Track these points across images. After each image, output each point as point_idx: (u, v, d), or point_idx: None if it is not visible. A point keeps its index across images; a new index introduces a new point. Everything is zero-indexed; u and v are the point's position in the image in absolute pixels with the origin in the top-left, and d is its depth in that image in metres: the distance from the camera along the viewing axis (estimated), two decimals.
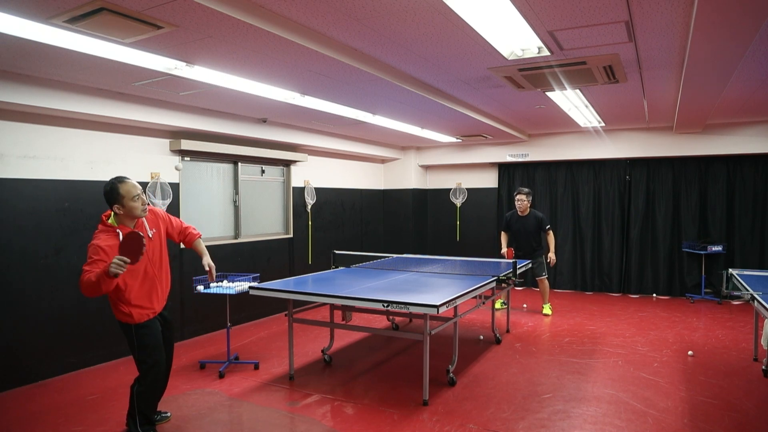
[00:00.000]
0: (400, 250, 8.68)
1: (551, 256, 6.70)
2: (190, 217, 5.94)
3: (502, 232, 7.03)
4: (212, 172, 6.32)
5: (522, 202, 6.70)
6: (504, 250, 6.82)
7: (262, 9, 2.99)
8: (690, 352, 5.10)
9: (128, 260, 2.83)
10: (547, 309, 6.94)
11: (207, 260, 3.69)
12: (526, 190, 6.80)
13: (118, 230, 3.10)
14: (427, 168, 9.96)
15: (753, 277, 4.99)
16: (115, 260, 2.79)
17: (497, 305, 7.00)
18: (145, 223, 3.34)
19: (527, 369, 4.70)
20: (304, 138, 7.13)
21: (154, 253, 3.34)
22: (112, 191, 3.11)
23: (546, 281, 6.92)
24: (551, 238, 6.75)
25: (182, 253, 5.72)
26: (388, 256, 6.66)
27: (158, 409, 3.67)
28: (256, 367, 4.79)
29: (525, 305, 7.26)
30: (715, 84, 4.48)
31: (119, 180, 3.15)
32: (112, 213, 3.14)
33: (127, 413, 3.38)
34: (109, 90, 4.63)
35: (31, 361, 4.46)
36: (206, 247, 3.84)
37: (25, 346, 4.41)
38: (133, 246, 2.90)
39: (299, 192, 7.59)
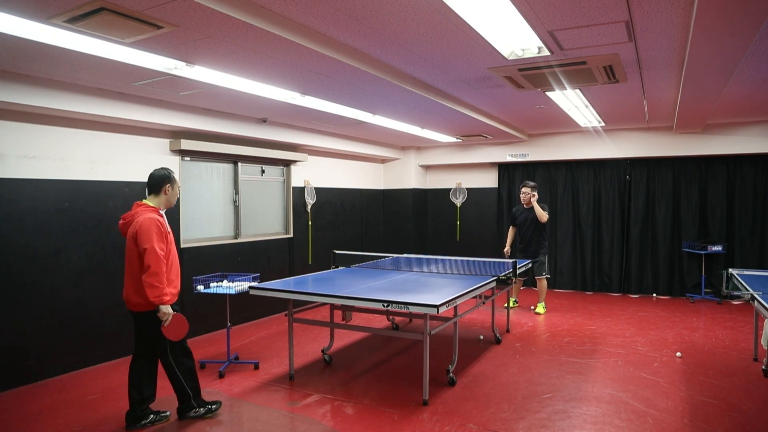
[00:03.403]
0: (400, 250, 8.68)
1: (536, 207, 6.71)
2: (190, 217, 5.94)
3: (510, 227, 7.22)
4: (212, 172, 6.32)
5: (526, 195, 6.84)
6: (506, 248, 7.09)
7: (262, 9, 2.99)
8: (678, 354, 5.09)
9: (166, 322, 3.36)
10: (540, 308, 6.98)
11: None
12: (531, 183, 6.94)
13: (161, 211, 3.56)
14: (427, 168, 9.96)
15: (753, 277, 4.99)
16: (166, 316, 3.36)
17: (510, 303, 7.08)
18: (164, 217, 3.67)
19: (527, 369, 4.70)
20: (304, 138, 7.13)
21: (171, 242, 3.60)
22: (169, 175, 3.62)
23: (545, 281, 6.96)
24: (542, 211, 6.69)
25: (182, 253, 5.71)
26: (388, 256, 6.66)
27: (157, 409, 3.67)
28: (256, 367, 4.79)
29: (532, 307, 7.21)
30: (715, 84, 4.48)
31: (170, 170, 3.67)
32: (146, 199, 3.56)
33: (180, 400, 3.63)
34: (109, 90, 4.63)
35: (31, 361, 4.46)
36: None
37: (25, 346, 4.41)
38: (178, 328, 3.45)
39: (299, 192, 7.59)
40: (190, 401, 3.65)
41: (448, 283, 4.61)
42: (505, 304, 6.57)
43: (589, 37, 3.47)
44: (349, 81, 4.43)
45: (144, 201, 3.56)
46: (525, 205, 6.93)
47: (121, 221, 3.54)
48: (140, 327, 3.54)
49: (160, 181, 3.56)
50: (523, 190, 6.90)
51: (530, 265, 6.49)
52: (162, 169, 3.65)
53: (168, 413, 3.71)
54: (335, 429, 3.53)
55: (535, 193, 6.85)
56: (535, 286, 7.17)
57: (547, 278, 6.97)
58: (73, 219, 4.77)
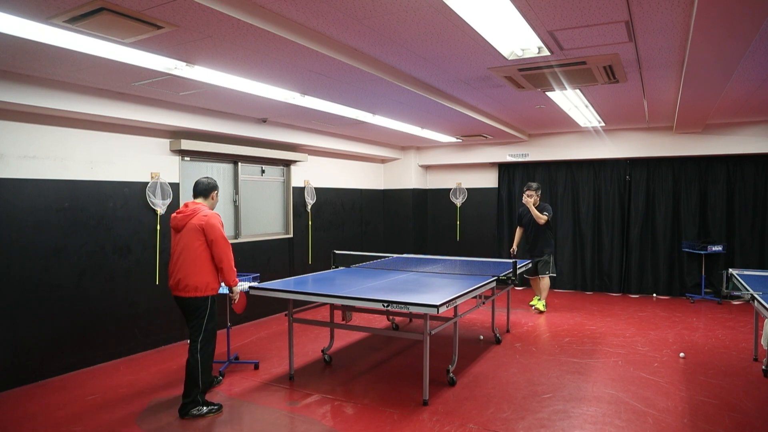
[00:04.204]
0: (400, 250, 8.68)
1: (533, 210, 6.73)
2: None
3: (518, 227, 7.26)
4: (212, 172, 6.32)
5: (529, 197, 6.78)
6: (513, 247, 7.11)
7: (262, 9, 2.99)
8: (681, 354, 5.08)
9: (236, 300, 4.11)
10: (540, 305, 6.95)
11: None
12: (534, 185, 6.86)
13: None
14: (427, 168, 9.96)
15: (753, 277, 4.99)
16: (237, 294, 4.08)
17: (533, 302, 7.06)
18: None
19: (527, 369, 4.70)
20: (304, 138, 7.13)
21: (186, 246, 3.86)
22: (216, 184, 4.12)
23: (547, 279, 6.92)
24: (541, 215, 6.69)
25: None
26: (388, 256, 6.66)
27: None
28: (256, 367, 4.79)
29: (532, 304, 7.20)
30: (715, 84, 4.48)
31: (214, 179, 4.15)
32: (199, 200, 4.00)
33: (189, 385, 3.74)
34: (109, 90, 4.63)
35: (31, 361, 4.46)
36: None
37: (25, 346, 4.41)
38: (243, 300, 4.21)
39: (299, 192, 7.59)
40: (197, 396, 3.74)
41: (448, 283, 4.61)
42: (531, 302, 6.80)
43: (589, 37, 3.47)
44: (349, 81, 4.43)
45: (196, 201, 3.98)
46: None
47: (179, 214, 3.88)
48: (188, 311, 3.84)
49: (210, 188, 4.06)
50: (527, 193, 6.82)
51: (530, 265, 6.49)
52: (208, 177, 4.11)
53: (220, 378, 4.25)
54: (335, 429, 3.53)
55: (536, 195, 6.79)
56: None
57: (551, 277, 6.93)
58: (73, 219, 4.77)
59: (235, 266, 3.94)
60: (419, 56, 3.94)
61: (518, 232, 7.22)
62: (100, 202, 4.99)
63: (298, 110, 5.69)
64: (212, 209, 4.05)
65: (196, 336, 3.81)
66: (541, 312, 6.95)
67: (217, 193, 4.12)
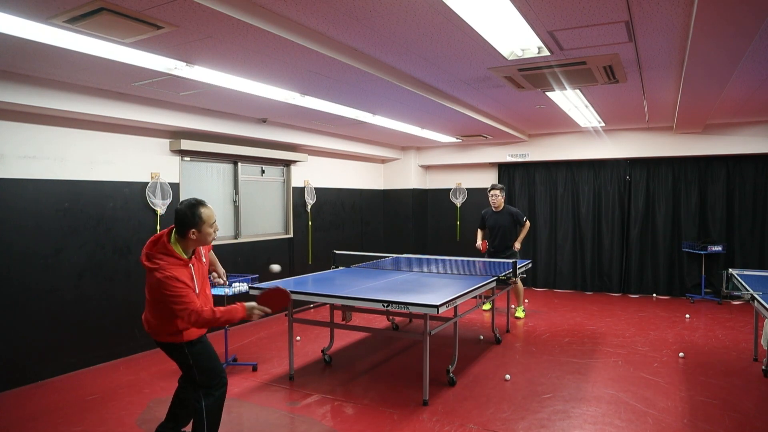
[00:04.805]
0: (400, 250, 8.68)
1: (516, 244, 6.64)
2: None
3: (479, 229, 6.97)
4: (212, 172, 6.32)
5: (497, 197, 6.66)
6: (479, 243, 6.81)
7: (262, 9, 2.99)
8: (681, 354, 5.08)
9: (269, 311, 2.92)
10: (519, 312, 6.79)
11: (220, 269, 3.61)
12: (500, 185, 6.77)
13: (191, 264, 2.85)
14: (427, 168, 9.96)
15: (753, 277, 4.99)
16: (257, 310, 2.87)
17: (486, 306, 6.97)
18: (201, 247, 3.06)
19: (527, 369, 4.70)
20: (304, 138, 7.13)
21: (204, 275, 3.07)
22: (193, 215, 2.78)
23: (519, 282, 6.73)
24: (525, 230, 6.68)
25: None
26: (388, 256, 6.66)
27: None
28: (254, 369, 4.78)
29: (513, 306, 7.17)
30: (715, 84, 4.48)
31: (201, 203, 2.84)
32: (174, 237, 2.83)
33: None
34: (109, 90, 4.63)
35: (31, 361, 4.45)
36: None
37: (25, 346, 4.41)
38: (279, 301, 2.99)
39: (299, 192, 7.59)
40: None
41: (448, 283, 4.61)
42: (516, 314, 6.62)
43: (589, 37, 3.47)
44: (349, 81, 4.43)
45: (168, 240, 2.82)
46: (494, 209, 6.71)
47: (143, 249, 2.90)
48: (168, 355, 3.12)
49: (182, 221, 2.80)
50: (493, 192, 6.66)
51: (530, 264, 6.47)
52: (188, 204, 2.82)
53: None
54: (335, 429, 3.53)
55: (502, 195, 6.69)
56: (537, 287, 7.12)
57: (522, 278, 6.67)
58: (73, 219, 4.76)
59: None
60: (419, 56, 3.94)
61: (479, 232, 6.92)
62: (100, 203, 4.99)
63: (298, 110, 5.69)
64: (189, 246, 2.84)
65: (192, 382, 3.03)
66: (520, 318, 6.73)
67: (195, 231, 2.79)
